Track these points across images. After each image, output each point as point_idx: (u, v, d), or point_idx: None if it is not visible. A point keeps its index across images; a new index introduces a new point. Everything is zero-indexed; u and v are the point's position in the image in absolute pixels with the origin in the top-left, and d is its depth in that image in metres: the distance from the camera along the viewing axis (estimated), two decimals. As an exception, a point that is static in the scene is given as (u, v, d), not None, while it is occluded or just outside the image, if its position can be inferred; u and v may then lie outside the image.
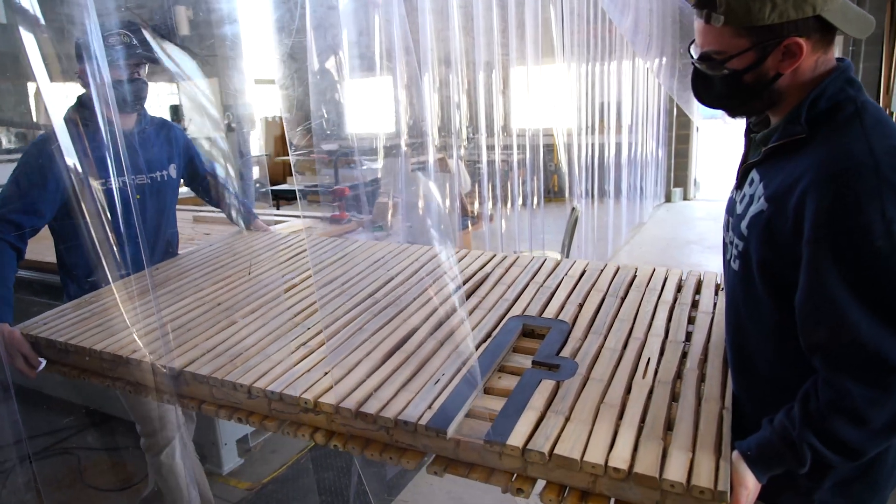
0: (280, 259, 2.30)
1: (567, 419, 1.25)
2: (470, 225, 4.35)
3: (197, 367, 1.55)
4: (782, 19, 1.07)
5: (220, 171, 2.50)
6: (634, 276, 1.94)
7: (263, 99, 9.66)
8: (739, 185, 1.27)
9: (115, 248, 1.61)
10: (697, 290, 1.84)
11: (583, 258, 3.74)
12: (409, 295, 1.90)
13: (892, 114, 6.03)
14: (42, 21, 1.40)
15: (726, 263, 1.31)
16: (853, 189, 1.01)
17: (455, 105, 3.80)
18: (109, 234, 1.62)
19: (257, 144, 10.07)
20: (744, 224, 1.20)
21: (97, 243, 1.59)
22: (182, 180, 2.44)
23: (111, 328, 1.77)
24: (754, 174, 1.22)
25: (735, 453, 1.14)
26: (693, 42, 1.21)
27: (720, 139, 10.99)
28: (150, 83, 2.13)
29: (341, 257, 2.28)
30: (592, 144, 5.54)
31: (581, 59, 5.07)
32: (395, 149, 2.99)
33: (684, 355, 1.49)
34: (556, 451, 1.14)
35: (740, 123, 1.35)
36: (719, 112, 1.29)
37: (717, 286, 1.83)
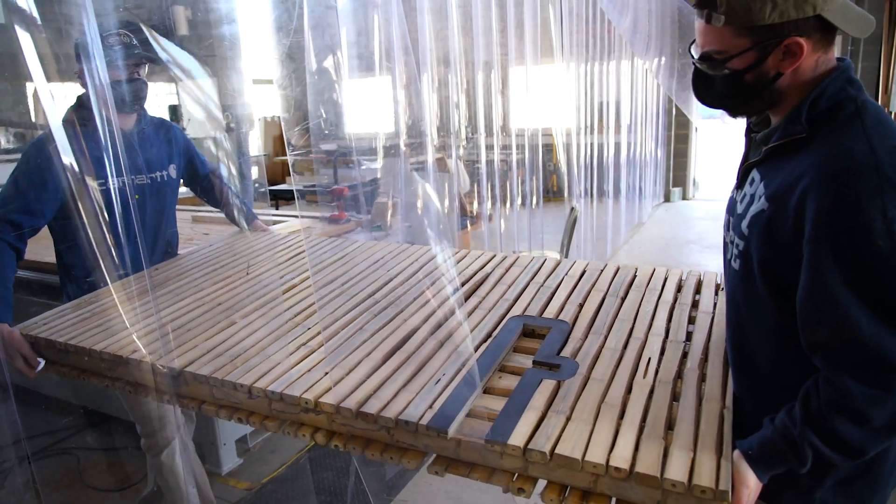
0: (279, 259, 2.29)
1: (568, 419, 1.25)
2: (469, 225, 4.35)
3: (197, 368, 1.54)
4: (783, 19, 1.07)
5: (220, 172, 2.50)
6: (634, 277, 1.94)
7: (262, 99, 9.65)
8: (740, 185, 1.28)
9: (114, 249, 1.61)
10: (697, 290, 1.84)
11: (582, 258, 3.75)
12: (409, 295, 1.90)
13: (891, 113, 6.04)
14: (38, 21, 1.39)
15: (727, 263, 1.31)
16: (854, 188, 1.01)
17: (454, 105, 3.80)
18: (109, 235, 1.62)
19: (256, 144, 10.06)
20: (744, 223, 1.20)
21: (97, 243, 1.58)
22: (182, 180, 2.44)
23: (111, 328, 1.77)
24: (755, 174, 1.22)
25: (736, 452, 1.14)
26: (693, 42, 1.21)
27: (719, 139, 10.98)
28: (148, 83, 2.13)
29: (341, 258, 2.28)
30: (591, 144, 5.54)
31: (580, 59, 5.07)
32: (394, 149, 2.99)
33: (685, 355, 1.49)
34: (557, 451, 1.14)
35: (739, 123, 1.35)
36: (718, 112, 1.29)
37: (718, 286, 1.84)
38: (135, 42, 1.98)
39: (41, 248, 2.54)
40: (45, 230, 2.09)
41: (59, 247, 2.15)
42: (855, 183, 1.01)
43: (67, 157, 1.56)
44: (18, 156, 2.09)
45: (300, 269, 2.19)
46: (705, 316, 1.66)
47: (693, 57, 1.21)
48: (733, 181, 1.33)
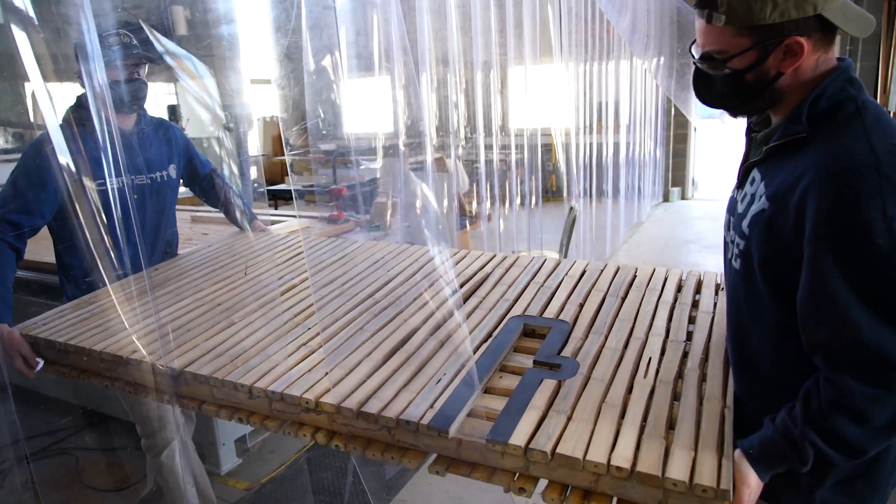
0: (279, 260, 2.29)
1: (569, 418, 1.25)
2: (468, 224, 4.35)
3: (197, 368, 1.54)
4: (783, 18, 1.07)
5: (220, 172, 2.50)
6: (635, 277, 1.94)
7: (260, 99, 9.65)
8: (740, 185, 1.28)
9: (114, 249, 1.61)
10: (698, 290, 1.84)
11: (581, 258, 3.74)
12: (410, 295, 1.90)
13: (890, 113, 6.04)
14: (35, 21, 1.39)
15: (727, 262, 1.31)
16: (854, 188, 1.01)
17: (453, 105, 3.80)
18: (109, 235, 1.61)
19: (255, 144, 10.05)
20: (745, 223, 1.20)
21: (96, 244, 1.58)
22: (181, 181, 2.43)
23: (111, 329, 1.76)
24: (755, 173, 1.22)
25: (737, 452, 1.14)
26: (694, 42, 1.21)
27: (718, 139, 11.00)
28: (148, 83, 2.13)
29: (341, 258, 2.28)
30: (590, 144, 5.54)
31: (579, 59, 5.07)
32: (394, 149, 2.99)
33: (685, 355, 1.49)
34: (558, 451, 1.14)
35: (737, 123, 1.35)
36: (717, 112, 1.29)
37: (718, 286, 1.84)
38: (134, 42, 1.98)
39: (40, 248, 2.53)
40: (44, 230, 2.09)
41: (59, 247, 2.14)
42: (855, 182, 1.01)
43: (67, 158, 1.55)
44: (17, 156, 2.08)
45: (300, 269, 2.18)
46: (705, 316, 1.66)
47: (694, 57, 1.22)
48: (732, 181, 1.33)
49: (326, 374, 1.46)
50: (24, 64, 1.39)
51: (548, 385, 1.36)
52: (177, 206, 2.43)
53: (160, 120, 2.36)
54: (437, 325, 1.68)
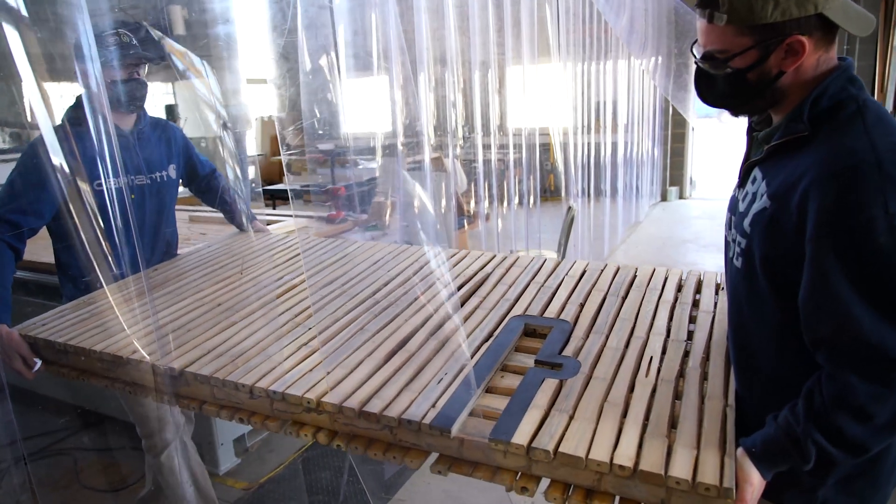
0: (279, 260, 2.29)
1: (571, 417, 1.25)
2: (466, 224, 4.35)
3: (198, 368, 1.54)
4: (784, 17, 1.07)
5: (219, 172, 2.50)
6: (635, 276, 1.95)
7: (257, 99, 9.63)
8: (742, 183, 1.28)
9: (113, 249, 1.60)
10: (698, 290, 1.85)
11: (579, 257, 3.75)
12: (410, 295, 1.89)
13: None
14: (28, 20, 1.38)
15: (729, 261, 1.32)
16: (856, 186, 1.01)
17: (451, 104, 3.80)
18: (108, 236, 1.61)
19: (252, 144, 10.03)
20: (746, 221, 1.21)
21: (95, 244, 1.58)
22: (181, 181, 2.43)
23: (110, 329, 1.76)
24: (757, 172, 1.22)
25: (740, 450, 1.14)
26: (695, 42, 1.21)
27: (715, 138, 11.03)
28: (147, 83, 2.12)
29: (340, 258, 2.27)
30: (588, 143, 5.54)
31: (577, 59, 5.08)
32: (391, 148, 2.99)
33: (686, 354, 1.49)
34: (560, 450, 1.15)
35: (735, 122, 1.35)
36: (714, 111, 1.29)
37: (718, 286, 1.84)
38: (134, 42, 1.97)
39: (39, 248, 2.52)
40: (43, 230, 2.08)
41: (58, 247, 2.14)
42: (857, 181, 1.02)
43: (60, 158, 1.55)
44: (16, 156, 2.08)
45: (300, 269, 2.18)
46: (706, 315, 1.66)
47: (695, 56, 1.22)
48: (731, 180, 1.33)
49: (328, 373, 1.46)
50: (17, 64, 1.38)
51: (549, 384, 1.36)
52: (175, 207, 2.43)
53: (160, 120, 2.35)
54: (437, 325, 1.68)
